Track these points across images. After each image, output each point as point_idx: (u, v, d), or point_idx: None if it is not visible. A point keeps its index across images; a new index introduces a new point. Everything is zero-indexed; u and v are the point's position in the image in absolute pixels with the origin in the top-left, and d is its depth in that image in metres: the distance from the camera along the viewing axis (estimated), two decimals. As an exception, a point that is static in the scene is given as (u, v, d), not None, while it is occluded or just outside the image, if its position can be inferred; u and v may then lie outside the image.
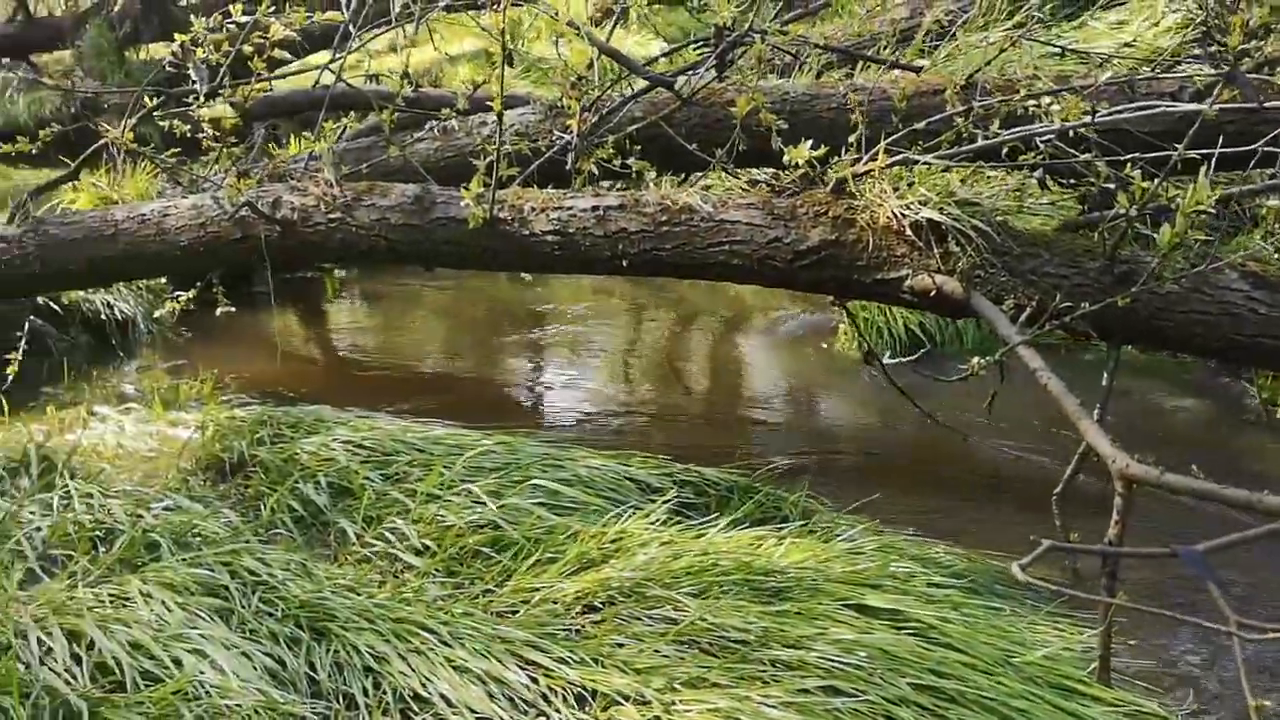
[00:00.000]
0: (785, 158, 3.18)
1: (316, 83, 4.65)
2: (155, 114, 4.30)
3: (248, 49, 3.58)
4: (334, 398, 4.09)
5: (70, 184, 4.90)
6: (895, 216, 2.97)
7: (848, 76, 4.75)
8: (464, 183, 3.97)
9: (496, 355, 5.16)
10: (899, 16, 6.29)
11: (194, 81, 3.75)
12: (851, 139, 3.32)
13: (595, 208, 3.36)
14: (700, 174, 4.74)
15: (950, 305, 2.93)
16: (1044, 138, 2.91)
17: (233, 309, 4.60)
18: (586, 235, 3.35)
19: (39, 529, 2.55)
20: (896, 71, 4.03)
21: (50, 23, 13.85)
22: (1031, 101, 3.16)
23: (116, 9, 11.69)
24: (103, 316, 4.74)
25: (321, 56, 10.37)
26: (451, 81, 8.04)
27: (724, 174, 3.87)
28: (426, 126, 4.87)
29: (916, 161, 2.97)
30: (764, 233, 3.16)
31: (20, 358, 3.83)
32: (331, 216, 3.61)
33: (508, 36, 3.80)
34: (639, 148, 3.99)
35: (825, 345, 4.68)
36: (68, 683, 1.88)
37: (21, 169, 9.85)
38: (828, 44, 3.47)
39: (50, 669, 1.90)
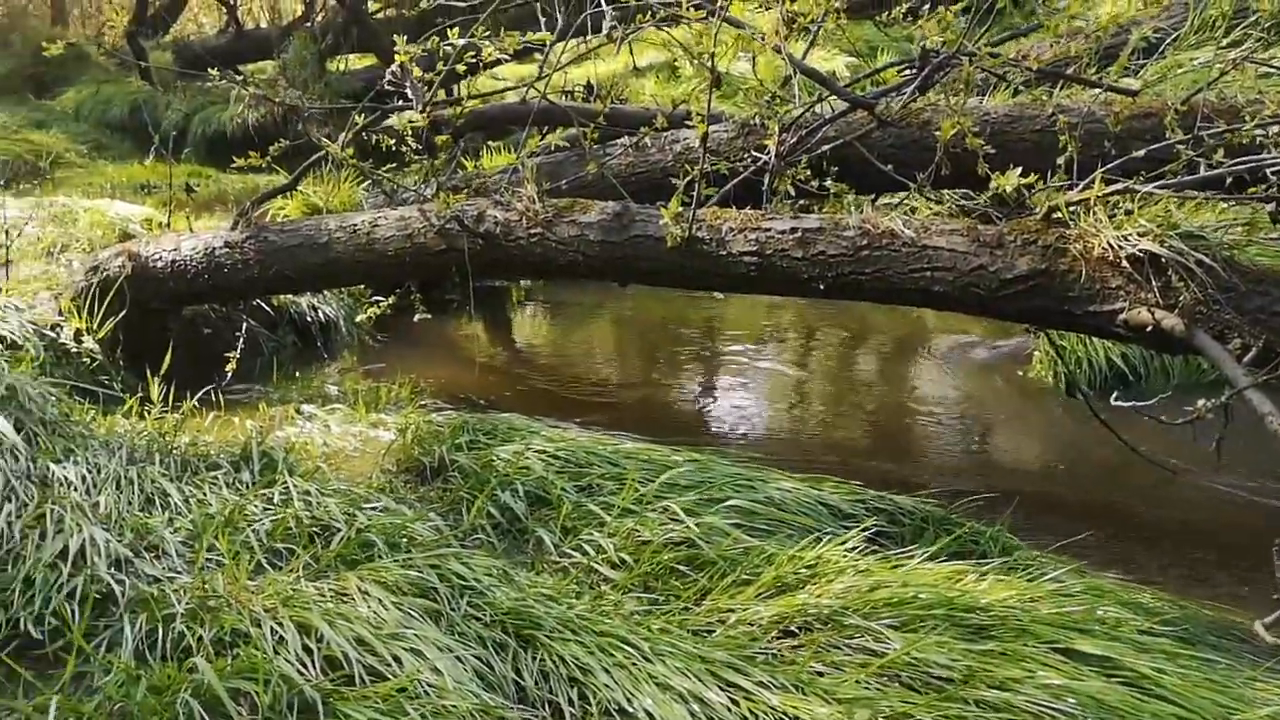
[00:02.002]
0: (992, 184, 3.12)
1: (523, 99, 4.78)
2: (363, 128, 4.49)
3: (460, 68, 3.71)
4: (523, 405, 4.21)
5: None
6: (1111, 247, 2.87)
7: (1048, 94, 4.61)
8: (655, 196, 4.05)
9: (675, 368, 5.21)
10: (1104, 33, 6.08)
11: (401, 98, 3.91)
12: (1060, 161, 3.24)
13: (794, 230, 3.35)
14: (892, 193, 4.69)
15: (1169, 342, 2.81)
16: (1276, 169, 2.77)
17: (429, 316, 4.79)
18: (784, 257, 3.35)
19: (263, 523, 2.70)
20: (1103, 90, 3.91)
21: (258, 34, 14.68)
22: (1259, 130, 3.02)
23: (318, 22, 12.31)
24: (308, 319, 4.99)
25: (516, 68, 10.72)
26: (638, 96, 8.15)
27: (923, 197, 3.81)
28: (620, 142, 4.97)
29: (1138, 192, 2.86)
30: (968, 260, 3.10)
31: (237, 359, 4.08)
32: (533, 232, 3.71)
33: (698, 52, 3.84)
34: (834, 168, 3.99)
35: (1020, 372, 4.54)
36: (300, 673, 1.99)
37: (230, 174, 10.47)
38: (1040, 68, 3.37)
39: (284, 659, 2.01)
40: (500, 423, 3.66)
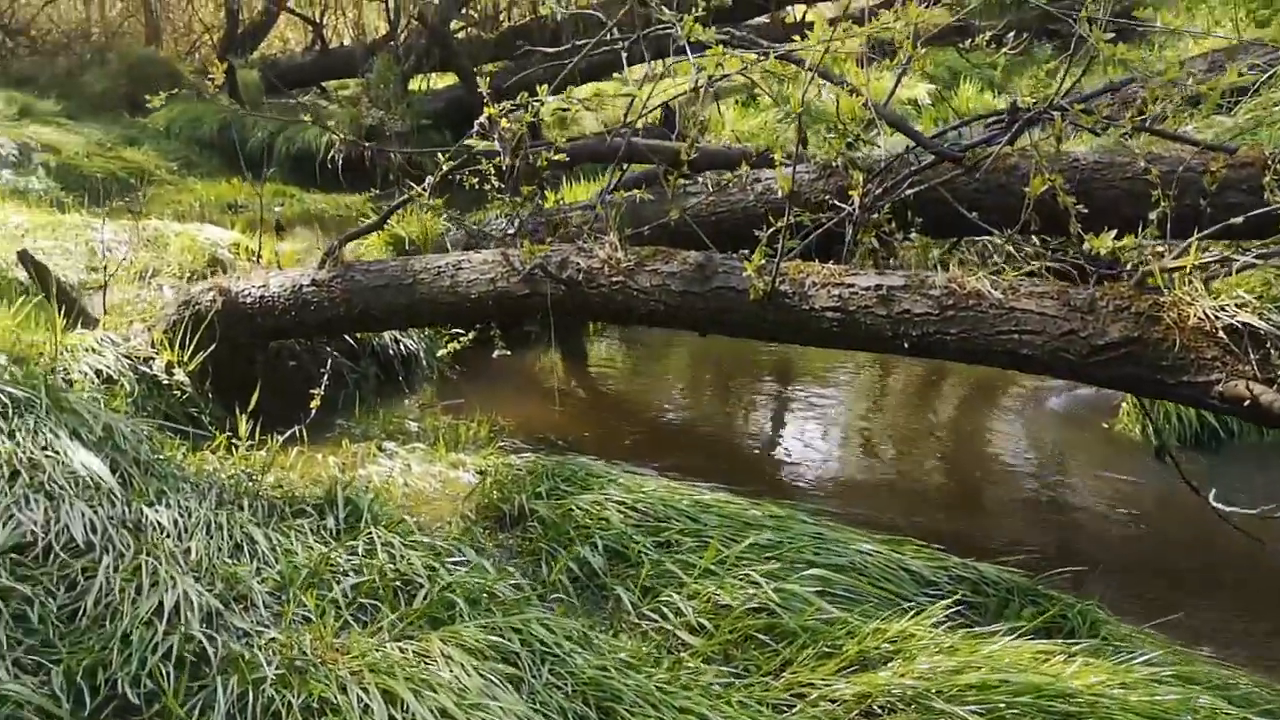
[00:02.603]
0: (1085, 246, 3.07)
1: (607, 137, 4.81)
2: (450, 171, 4.54)
3: (547, 118, 3.75)
4: (600, 445, 4.23)
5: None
6: (1207, 318, 2.80)
7: (1135, 134, 4.51)
8: (735, 234, 4.05)
9: (751, 406, 5.19)
10: (1196, 70, 5.95)
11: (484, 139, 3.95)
12: (1153, 216, 3.17)
13: (878, 286, 3.33)
14: (974, 237, 4.63)
15: (1267, 418, 2.73)
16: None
17: (508, 352, 4.83)
18: (868, 314, 3.32)
19: (348, 576, 2.74)
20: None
21: (342, 53, 14.96)
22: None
23: (401, 41, 12.51)
24: (390, 351, 5.07)
25: (598, 84, 10.79)
26: (717, 127, 8.14)
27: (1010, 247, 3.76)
28: (702, 180, 4.98)
29: (1234, 261, 2.79)
30: (1058, 324, 3.05)
31: (322, 393, 4.15)
32: (615, 279, 3.73)
33: (785, 104, 3.83)
34: (918, 219, 3.96)
35: (1105, 425, 4.44)
36: (386, 747, 2.02)
37: (313, 192, 10.67)
38: (1134, 123, 3.30)
39: (372, 732, 2.04)
40: (578, 468, 3.67)
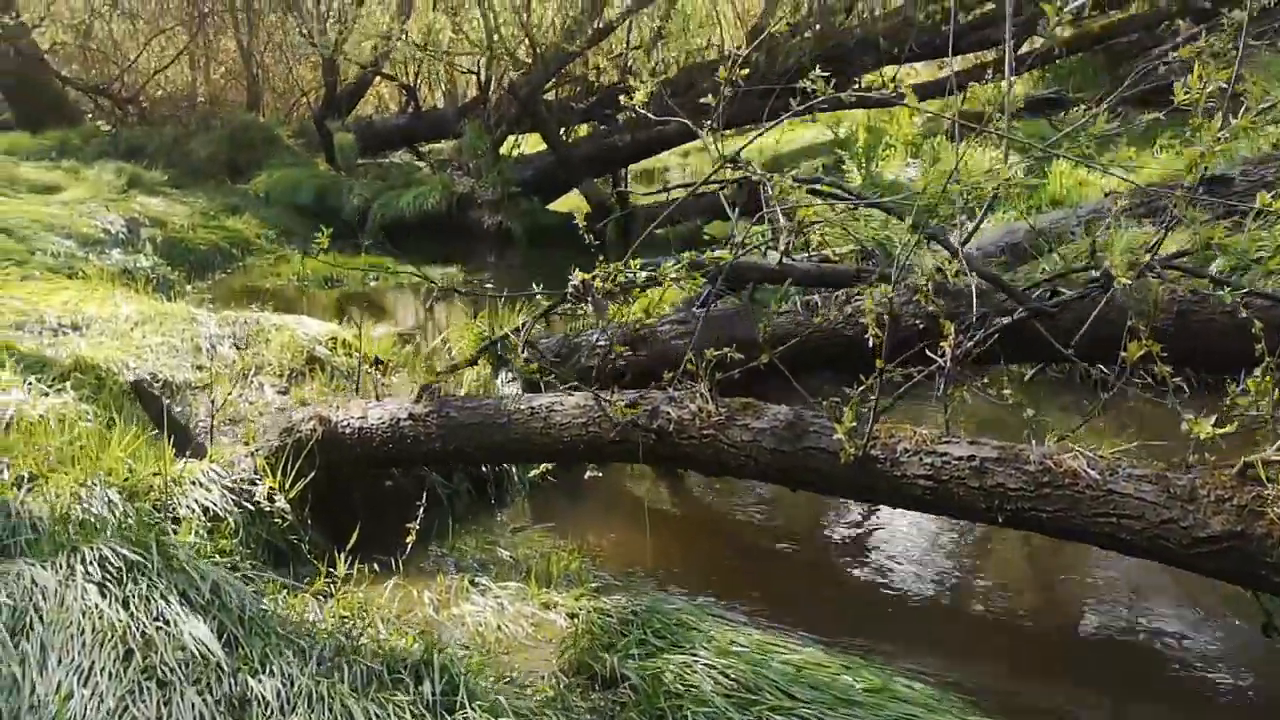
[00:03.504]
0: (1184, 428, 3.02)
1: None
2: (544, 312, 4.62)
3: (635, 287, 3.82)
4: (692, 578, 4.24)
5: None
6: (1315, 518, 2.73)
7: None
8: (823, 352, 4.07)
9: (849, 539, 4.86)
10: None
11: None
12: (1258, 372, 3.08)
13: (971, 457, 3.31)
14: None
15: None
16: None
17: (599, 473, 4.87)
18: (961, 485, 3.30)
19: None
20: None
21: (435, 115, 15.33)
22: None
23: (492, 106, 12.76)
24: (483, 468, 5.15)
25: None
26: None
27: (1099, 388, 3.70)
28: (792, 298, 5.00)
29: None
30: (1158, 511, 3.00)
31: (418, 526, 4.24)
32: (705, 432, 3.76)
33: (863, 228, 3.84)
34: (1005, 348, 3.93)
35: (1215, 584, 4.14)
36: None
37: (405, 262, 10.85)
38: (1246, 294, 3.23)
39: None
40: (668, 618, 3.70)
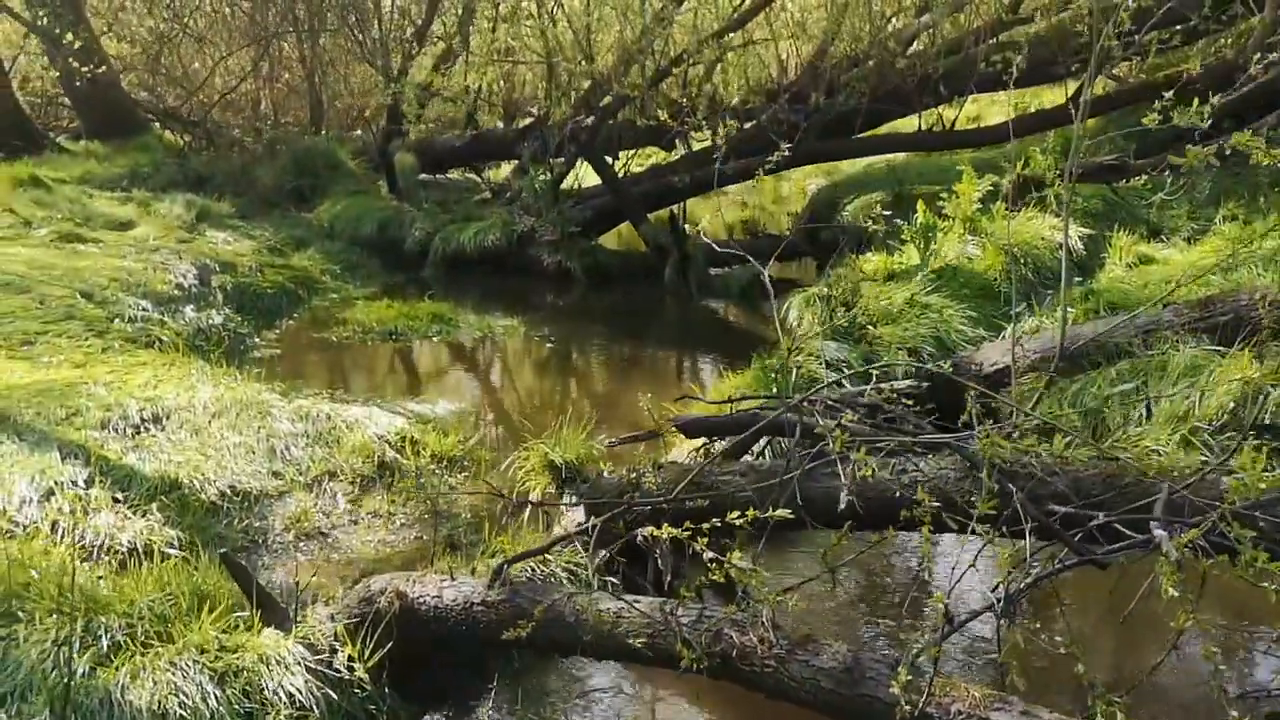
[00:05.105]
0: None
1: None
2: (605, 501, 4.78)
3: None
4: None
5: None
6: None
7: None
8: (882, 514, 4.23)
9: None
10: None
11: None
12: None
13: (1024, 729, 3.46)
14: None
15: None
16: None
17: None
18: (1012, 756, 3.46)
19: None
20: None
21: (493, 135, 15.46)
22: None
23: (552, 148, 12.87)
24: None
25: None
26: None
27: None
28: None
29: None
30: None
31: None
32: (766, 662, 3.93)
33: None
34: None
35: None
36: None
37: (467, 312, 11.05)
38: None
39: None
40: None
